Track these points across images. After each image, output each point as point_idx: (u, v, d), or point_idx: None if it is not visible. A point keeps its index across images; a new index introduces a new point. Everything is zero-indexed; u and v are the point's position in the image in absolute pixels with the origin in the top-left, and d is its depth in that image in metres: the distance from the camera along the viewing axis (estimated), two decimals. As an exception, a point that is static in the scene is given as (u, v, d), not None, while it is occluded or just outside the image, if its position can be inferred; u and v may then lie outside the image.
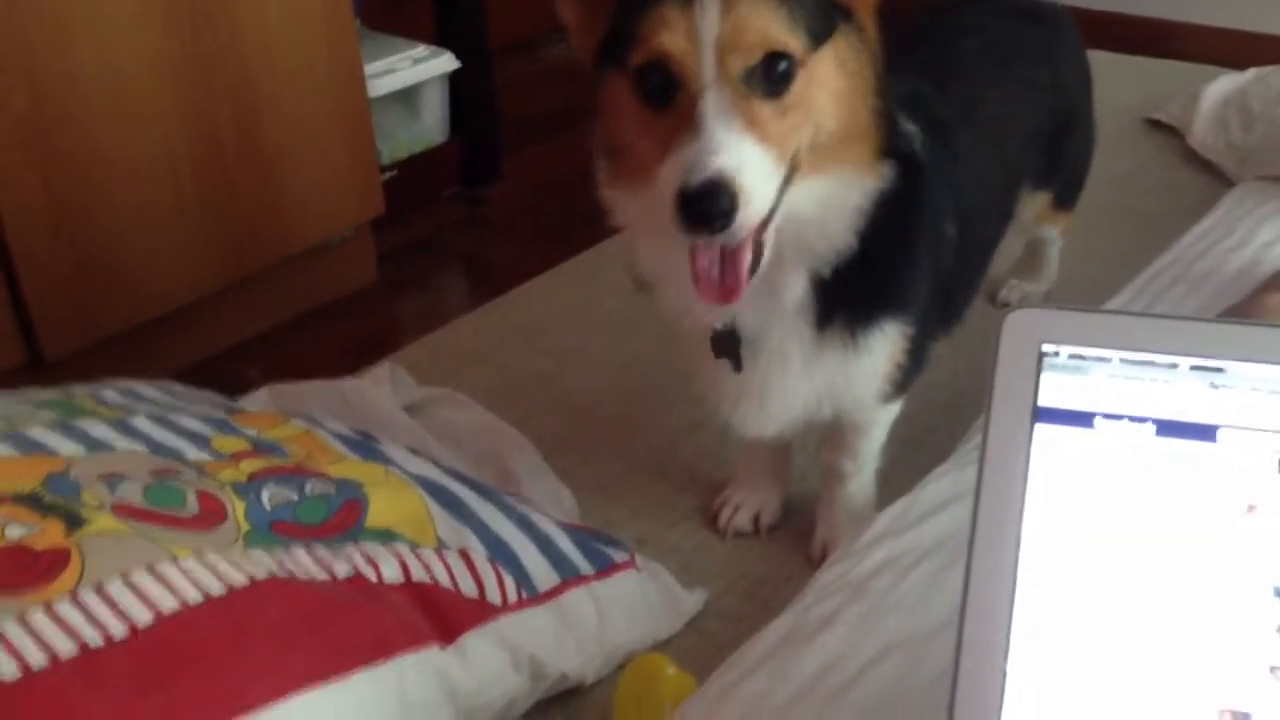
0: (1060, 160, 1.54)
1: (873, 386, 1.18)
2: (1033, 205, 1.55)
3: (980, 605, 0.67)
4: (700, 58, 0.92)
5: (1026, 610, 0.67)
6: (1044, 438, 0.68)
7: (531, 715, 1.11)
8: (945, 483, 1.09)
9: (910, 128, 1.13)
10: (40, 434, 1.00)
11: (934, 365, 1.30)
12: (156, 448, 1.04)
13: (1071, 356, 0.69)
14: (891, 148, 1.07)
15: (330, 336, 2.03)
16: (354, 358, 1.88)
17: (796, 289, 1.08)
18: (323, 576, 0.98)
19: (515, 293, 2.04)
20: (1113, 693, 0.66)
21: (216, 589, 0.89)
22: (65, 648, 0.81)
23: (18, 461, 0.95)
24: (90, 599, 0.85)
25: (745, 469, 1.44)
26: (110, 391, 1.18)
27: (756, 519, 1.42)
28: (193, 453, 1.06)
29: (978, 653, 0.67)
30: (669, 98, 0.95)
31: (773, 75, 0.95)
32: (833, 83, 1.00)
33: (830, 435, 1.32)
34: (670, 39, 0.93)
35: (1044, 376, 0.69)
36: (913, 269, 1.14)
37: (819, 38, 0.98)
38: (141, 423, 1.07)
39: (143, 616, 0.85)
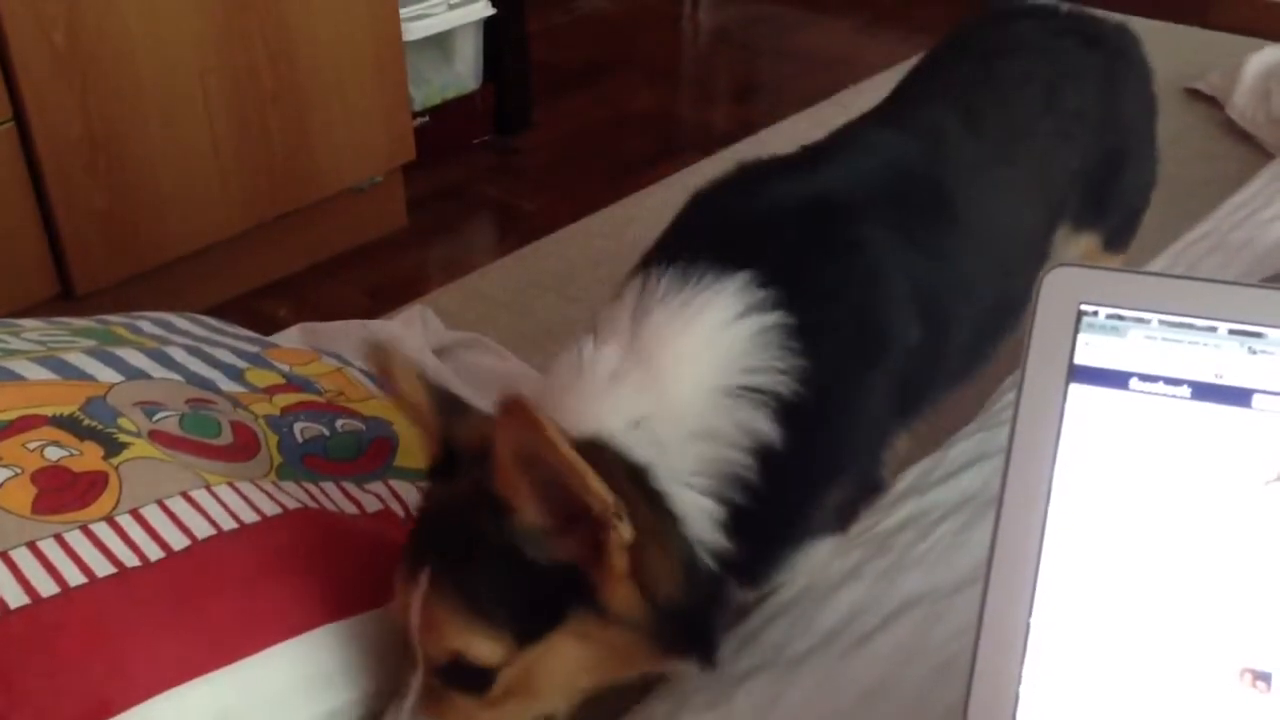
0: (1108, 201, 1.35)
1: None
2: (1076, 248, 1.34)
3: (1007, 559, 0.68)
4: (412, 642, 0.85)
5: (1053, 566, 0.67)
6: (1078, 397, 0.69)
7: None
8: (973, 442, 1.10)
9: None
10: (78, 360, 1.01)
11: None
12: (192, 378, 1.05)
13: (1109, 316, 0.69)
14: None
15: (359, 280, 2.04)
16: (382, 301, 1.89)
17: None
18: (352, 510, 0.99)
19: (546, 241, 2.04)
20: (1135, 650, 0.67)
21: (249, 517, 0.91)
22: (102, 567, 0.83)
23: (57, 385, 0.97)
24: (126, 522, 0.86)
25: None
26: (145, 323, 1.19)
27: None
28: (226, 385, 1.07)
29: (1003, 605, 0.67)
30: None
31: (468, 675, 0.83)
32: (568, 669, 0.85)
33: None
34: (395, 611, 0.86)
35: (1081, 336, 0.69)
36: (848, 446, 0.97)
37: (535, 629, 0.83)
38: (177, 353, 1.09)
39: (178, 541, 0.86)
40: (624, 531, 0.80)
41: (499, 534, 0.81)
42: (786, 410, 0.88)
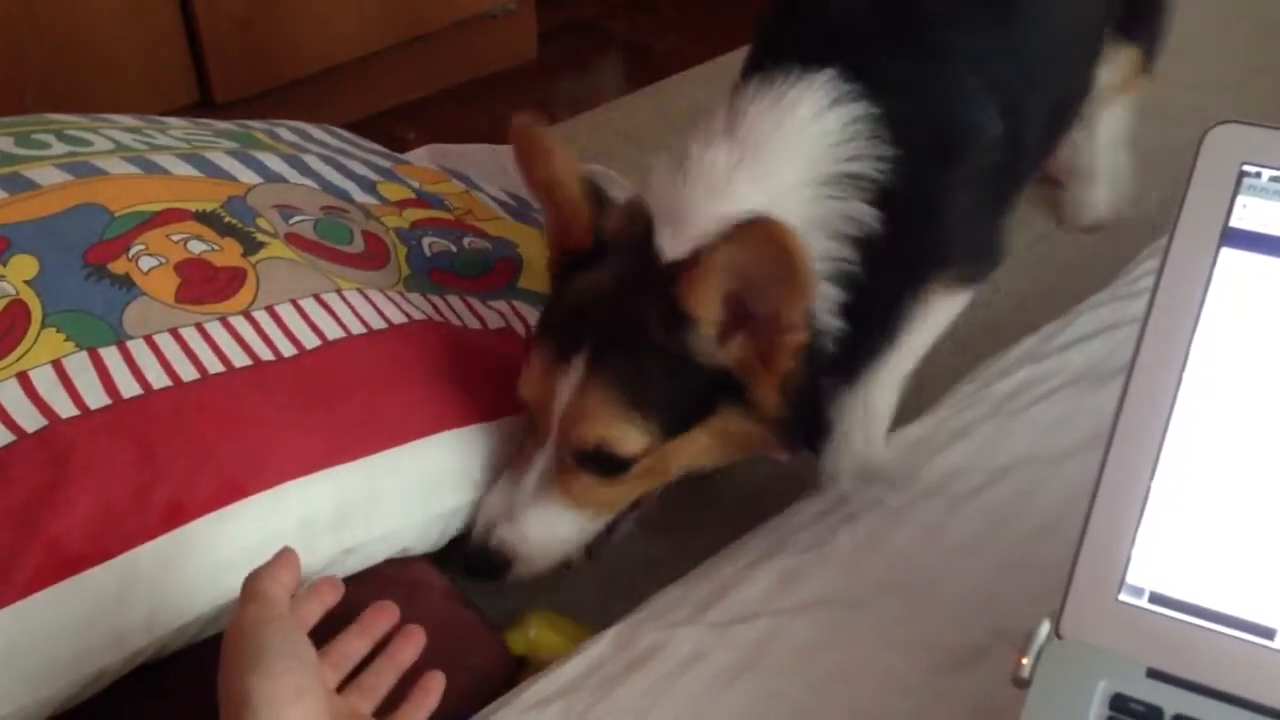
0: (1148, 10, 1.30)
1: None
2: (1113, 68, 1.30)
3: (1135, 420, 0.66)
4: (546, 421, 0.87)
5: (1182, 431, 0.66)
6: (1229, 262, 0.66)
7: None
8: (1103, 311, 1.07)
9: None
10: (220, 159, 1.03)
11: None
12: (327, 186, 1.07)
13: (1273, 179, 0.66)
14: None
15: (486, 108, 2.04)
16: (507, 130, 1.88)
17: None
18: (475, 325, 1.01)
19: (676, 78, 2.00)
20: (1251, 526, 0.65)
21: (378, 323, 0.93)
22: (239, 358, 0.86)
23: (200, 182, 0.99)
24: (262, 318, 0.89)
25: None
26: (283, 130, 1.21)
27: None
28: (359, 196, 1.09)
29: (1125, 466, 0.66)
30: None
31: (606, 463, 0.87)
32: (698, 456, 0.90)
33: None
34: (532, 389, 0.88)
35: (1240, 198, 0.66)
36: (958, 232, 0.98)
37: (681, 425, 0.86)
38: (313, 161, 1.10)
39: (309, 340, 0.89)
40: (802, 335, 0.83)
41: (672, 339, 0.83)
42: (885, 198, 0.89)
